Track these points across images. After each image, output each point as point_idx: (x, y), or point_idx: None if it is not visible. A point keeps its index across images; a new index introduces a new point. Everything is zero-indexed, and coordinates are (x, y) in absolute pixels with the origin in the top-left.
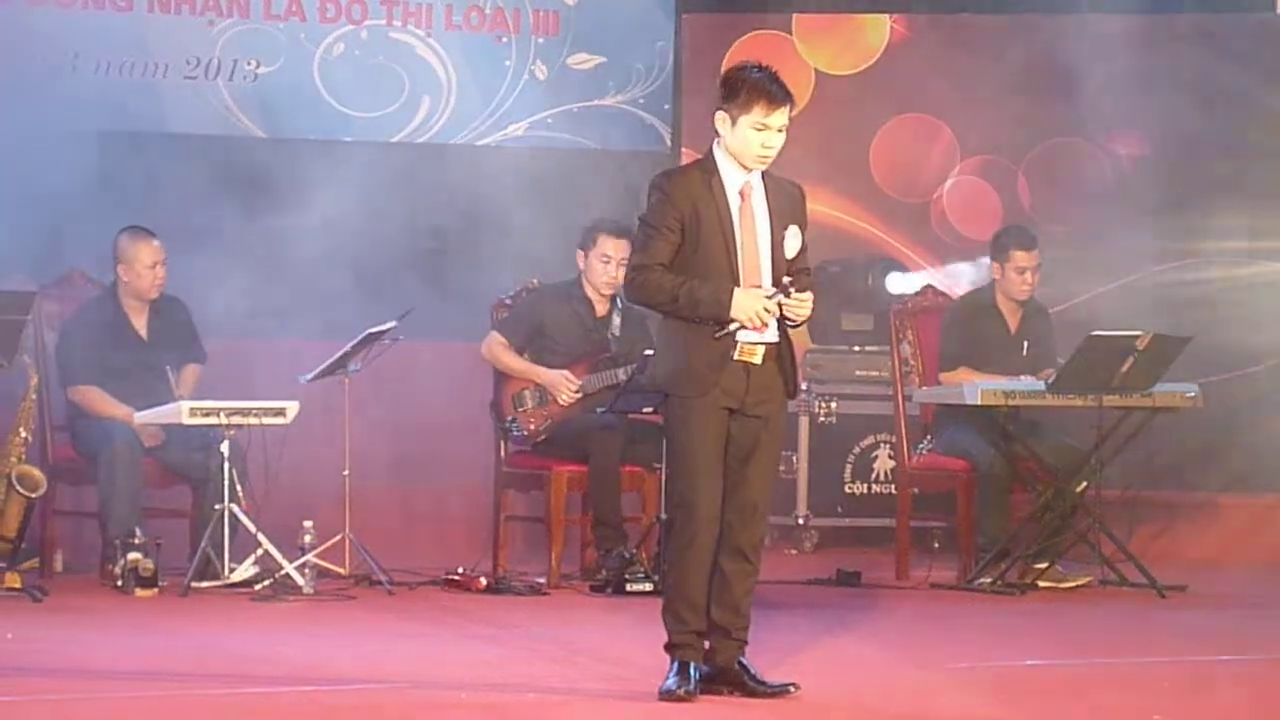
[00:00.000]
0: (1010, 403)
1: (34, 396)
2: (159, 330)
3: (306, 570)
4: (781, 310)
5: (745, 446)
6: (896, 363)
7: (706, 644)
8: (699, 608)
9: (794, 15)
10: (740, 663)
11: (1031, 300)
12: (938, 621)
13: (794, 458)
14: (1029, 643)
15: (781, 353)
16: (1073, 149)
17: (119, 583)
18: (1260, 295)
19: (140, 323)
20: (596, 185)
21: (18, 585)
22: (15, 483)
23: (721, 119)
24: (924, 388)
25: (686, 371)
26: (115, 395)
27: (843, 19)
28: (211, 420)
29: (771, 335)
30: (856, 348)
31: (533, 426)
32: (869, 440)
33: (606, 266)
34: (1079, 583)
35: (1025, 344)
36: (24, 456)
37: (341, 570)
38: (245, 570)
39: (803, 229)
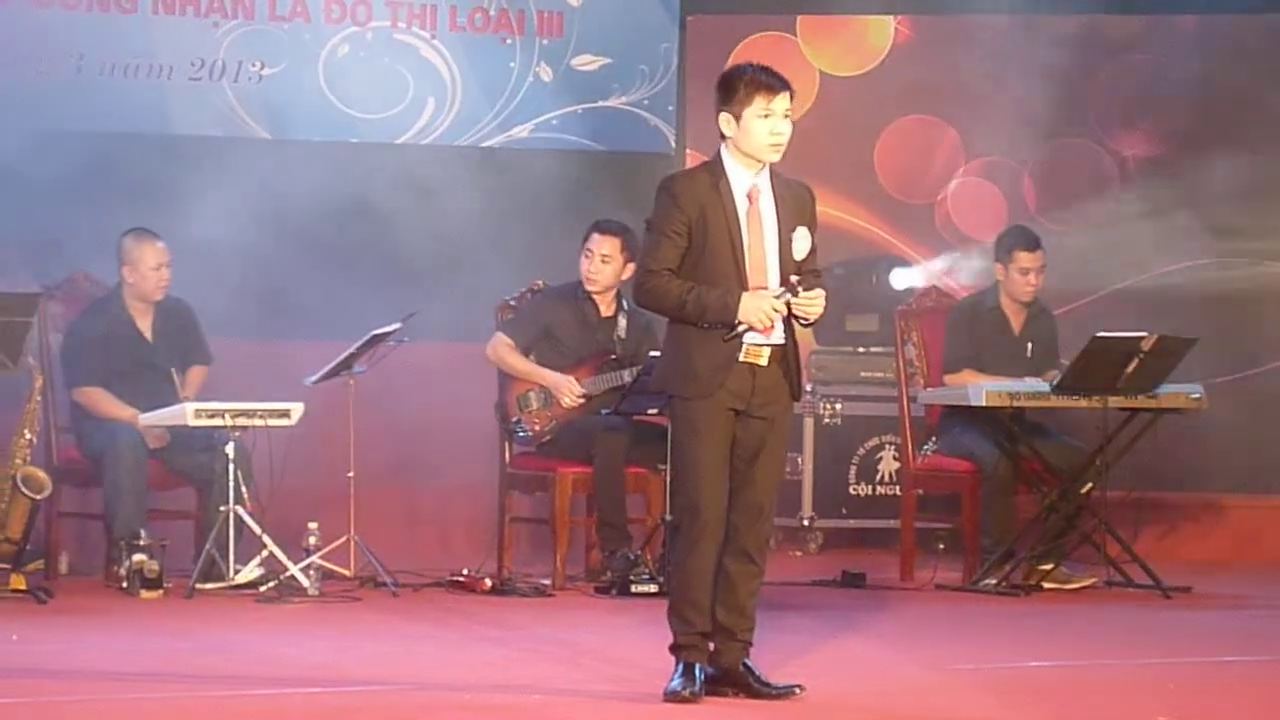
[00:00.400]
0: (1015, 404)
1: (39, 398)
2: (164, 332)
3: (311, 572)
4: (792, 310)
5: (751, 448)
6: (901, 364)
7: (711, 645)
8: (704, 609)
9: (798, 17)
10: (745, 664)
11: (1036, 301)
12: (942, 623)
13: (799, 459)
14: (1034, 644)
15: (787, 355)
16: (1078, 149)
17: (124, 584)
18: (1266, 297)
19: (145, 324)
20: (601, 187)
21: (23, 587)
22: (20, 484)
23: (726, 120)
24: (929, 389)
25: (693, 373)
26: (120, 397)
27: (847, 20)
28: (216, 422)
29: (778, 338)
30: (861, 349)
31: (538, 428)
32: (874, 442)
33: (589, 262)
34: (1084, 584)
35: (1029, 345)
36: (29, 458)
37: (346, 572)
38: (250, 572)
39: (812, 231)
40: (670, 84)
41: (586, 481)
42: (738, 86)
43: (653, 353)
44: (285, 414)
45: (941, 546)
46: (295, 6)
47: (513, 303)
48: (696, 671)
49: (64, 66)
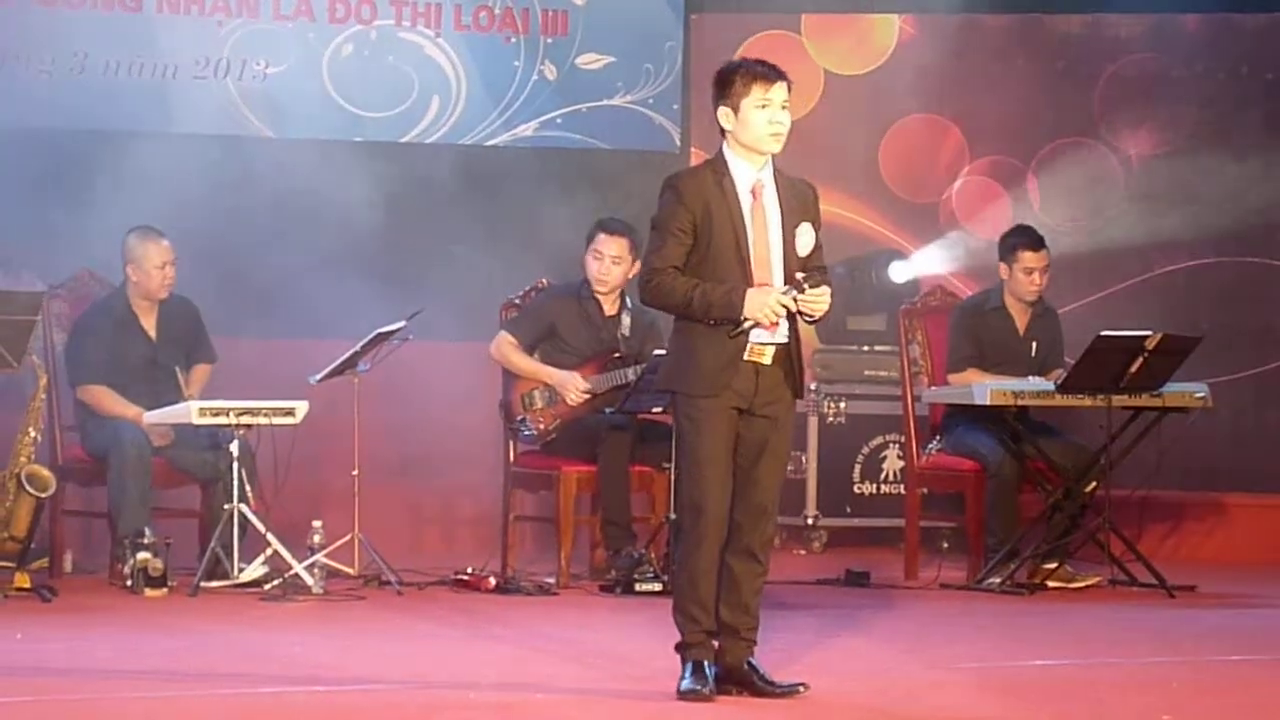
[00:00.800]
0: (1019, 403)
1: (43, 396)
2: (168, 330)
3: (316, 570)
4: (799, 307)
5: (754, 447)
6: (905, 363)
7: (716, 644)
8: (709, 608)
9: (803, 15)
10: (749, 663)
11: (1040, 301)
12: (947, 621)
13: (803, 458)
14: (1038, 643)
15: (790, 354)
16: (1082, 149)
17: (128, 583)
18: (1270, 295)
19: (149, 322)
20: (606, 185)
21: (27, 585)
22: (25, 483)
23: (725, 114)
24: (933, 388)
25: (699, 371)
26: (125, 395)
27: (852, 19)
28: (221, 420)
29: (782, 336)
30: (866, 348)
31: (542, 426)
32: (878, 440)
33: (599, 263)
34: (1088, 583)
35: (1034, 345)
36: (33, 456)
37: (351, 570)
38: (254, 570)
39: (816, 228)
40: (675, 82)
41: (591, 480)
42: (734, 79)
43: (657, 351)
44: (290, 412)
45: (946, 545)
46: (299, 5)
47: (517, 301)
48: (707, 669)
49: (68, 65)
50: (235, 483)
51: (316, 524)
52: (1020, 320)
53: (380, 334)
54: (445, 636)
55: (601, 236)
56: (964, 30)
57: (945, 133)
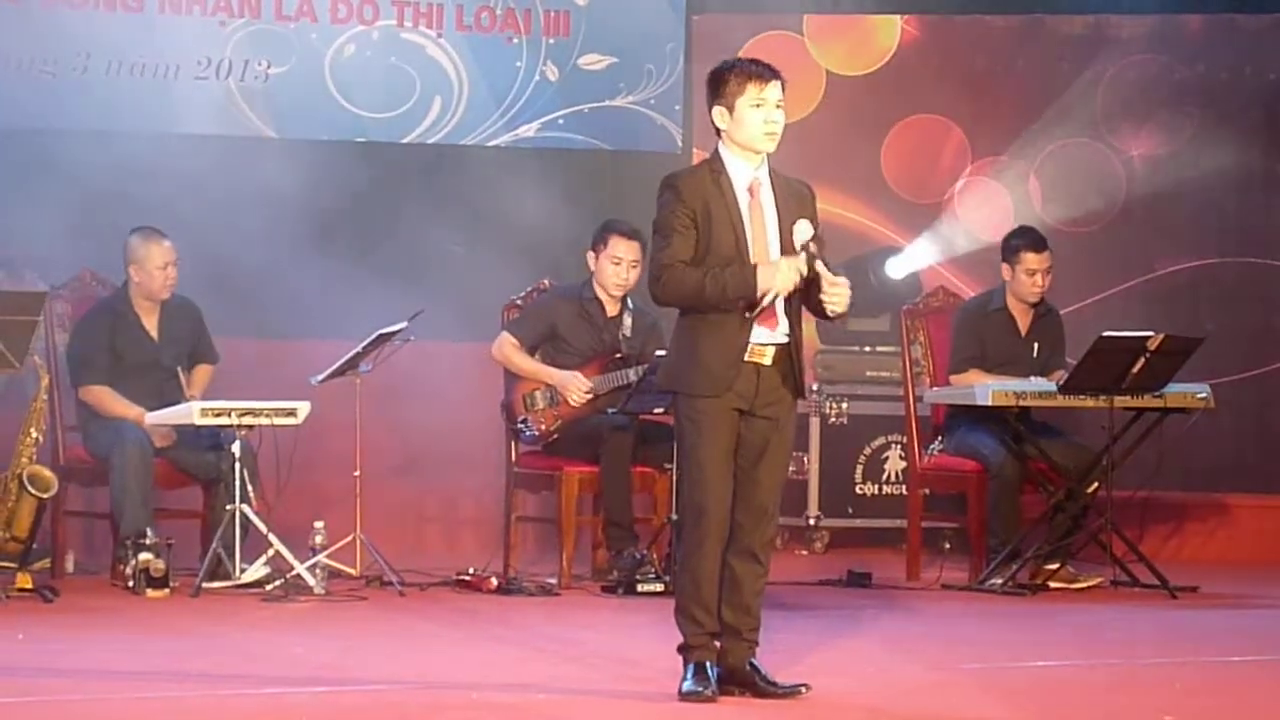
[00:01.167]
0: (1021, 404)
1: (45, 397)
2: (170, 331)
3: (318, 571)
4: (821, 299)
5: (755, 448)
6: (908, 363)
7: (718, 644)
8: (712, 609)
9: (805, 16)
10: (751, 663)
11: (1043, 302)
12: (949, 622)
13: (805, 458)
14: (1040, 644)
15: (790, 354)
16: (1084, 150)
17: (130, 583)
18: (1272, 296)
19: (151, 323)
20: (607, 186)
21: (29, 586)
22: (26, 483)
23: (719, 114)
24: (935, 388)
25: (701, 372)
26: (126, 396)
27: (854, 20)
28: (223, 421)
29: (782, 336)
30: (868, 348)
31: (544, 427)
32: (880, 441)
33: (617, 268)
34: (1090, 583)
35: (1036, 346)
36: (35, 457)
37: (352, 571)
38: (256, 571)
39: (814, 227)
40: (677, 83)
41: (593, 481)
42: (728, 79)
43: (659, 352)
44: (291, 413)
45: (948, 546)
46: (302, 5)
47: (519, 302)
48: (709, 670)
49: (70, 65)
50: (237, 483)
51: (318, 524)
52: (1022, 321)
53: (382, 335)
54: (447, 637)
55: (616, 240)
56: (966, 31)
57: (947, 133)
